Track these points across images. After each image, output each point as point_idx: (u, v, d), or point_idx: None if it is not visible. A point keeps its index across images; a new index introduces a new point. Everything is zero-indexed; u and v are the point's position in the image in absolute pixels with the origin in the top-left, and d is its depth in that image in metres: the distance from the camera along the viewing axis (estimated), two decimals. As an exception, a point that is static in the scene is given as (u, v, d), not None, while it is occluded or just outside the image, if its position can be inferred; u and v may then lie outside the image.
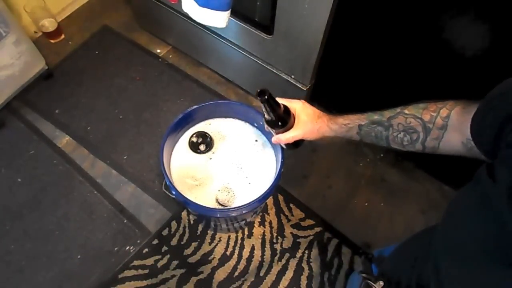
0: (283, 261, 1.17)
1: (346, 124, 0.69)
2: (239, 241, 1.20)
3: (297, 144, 0.77)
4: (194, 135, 1.01)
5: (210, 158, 1.00)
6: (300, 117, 0.73)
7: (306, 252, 1.19)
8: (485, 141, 0.46)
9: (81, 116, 1.42)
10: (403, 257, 0.66)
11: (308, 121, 0.72)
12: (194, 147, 1.00)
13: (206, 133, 1.01)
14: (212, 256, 1.18)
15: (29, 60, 1.36)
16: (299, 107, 0.73)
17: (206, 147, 1.00)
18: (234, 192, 0.96)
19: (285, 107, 0.73)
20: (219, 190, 0.96)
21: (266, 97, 0.68)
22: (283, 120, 0.72)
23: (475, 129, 0.49)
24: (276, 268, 1.16)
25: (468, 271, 0.45)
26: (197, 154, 1.00)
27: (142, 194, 1.28)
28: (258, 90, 0.68)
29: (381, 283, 0.60)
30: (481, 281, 0.42)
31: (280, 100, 0.73)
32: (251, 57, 1.24)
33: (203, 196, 0.95)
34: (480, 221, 0.42)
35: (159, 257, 1.17)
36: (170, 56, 1.56)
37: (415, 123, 0.62)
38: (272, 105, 0.70)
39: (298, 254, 1.18)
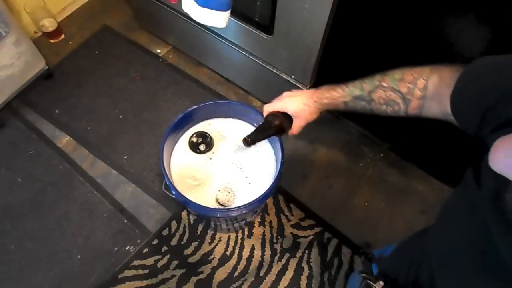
0: (283, 261, 1.17)
1: (332, 102, 0.73)
2: (239, 241, 1.20)
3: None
4: (194, 135, 1.01)
5: (210, 158, 1.00)
6: (293, 115, 0.78)
7: (306, 252, 1.19)
8: (468, 124, 0.46)
9: (81, 116, 1.42)
10: (401, 257, 0.66)
11: (300, 114, 0.77)
12: (194, 147, 1.00)
13: (206, 133, 1.01)
14: (212, 256, 1.18)
15: (29, 60, 1.36)
16: (287, 106, 0.78)
17: (206, 147, 1.00)
18: (234, 192, 0.96)
19: (276, 116, 0.79)
20: (219, 190, 0.96)
21: (250, 141, 0.78)
22: (280, 130, 0.79)
23: (457, 109, 0.49)
24: (276, 268, 1.16)
25: (457, 277, 0.45)
26: (197, 154, 1.00)
27: (142, 194, 1.28)
28: (243, 141, 0.79)
29: (381, 283, 0.60)
30: None
31: (269, 109, 0.80)
32: (251, 57, 1.24)
33: (203, 196, 0.95)
34: (467, 227, 0.41)
35: (159, 257, 1.17)
36: (170, 56, 1.56)
37: (395, 96, 0.63)
38: (263, 135, 0.79)
39: (298, 254, 1.18)
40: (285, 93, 0.80)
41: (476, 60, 0.47)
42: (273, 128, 0.79)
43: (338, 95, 0.71)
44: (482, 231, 0.36)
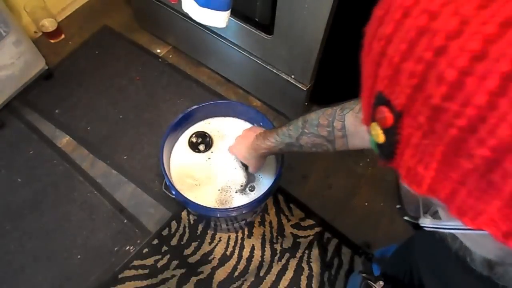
0: (283, 261, 1.17)
1: (269, 151, 0.78)
2: (239, 241, 1.20)
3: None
4: (194, 135, 1.01)
5: (209, 158, 1.00)
6: (245, 163, 0.89)
7: (306, 252, 1.19)
8: None
9: (81, 116, 1.42)
10: (401, 258, 0.66)
11: (248, 162, 0.87)
12: (193, 147, 1.00)
13: (205, 133, 1.01)
14: (212, 256, 1.18)
15: (29, 60, 1.36)
16: (239, 157, 0.89)
17: (206, 147, 1.00)
18: (234, 192, 0.96)
19: None
20: (219, 190, 0.96)
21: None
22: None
23: None
24: (276, 268, 1.16)
25: (439, 277, 0.45)
26: (197, 154, 1.00)
27: (142, 194, 1.28)
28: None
29: (381, 283, 0.60)
30: None
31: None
32: (251, 57, 1.24)
33: (203, 196, 0.95)
34: None
35: (159, 257, 1.17)
36: (170, 56, 1.56)
37: (319, 140, 0.65)
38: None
39: (298, 254, 1.18)
40: (236, 138, 0.89)
41: None
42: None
43: (272, 144, 0.75)
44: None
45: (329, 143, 0.64)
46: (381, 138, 0.24)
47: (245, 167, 0.95)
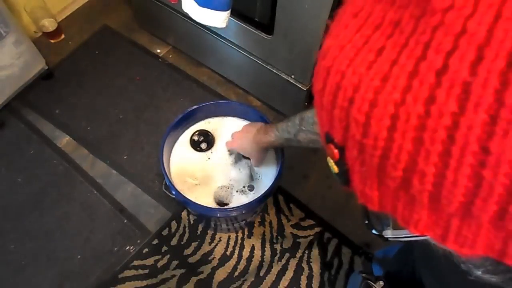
0: (283, 261, 1.17)
1: (270, 145, 0.81)
2: (239, 241, 1.20)
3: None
4: (196, 133, 1.01)
5: (209, 158, 1.00)
6: (247, 155, 0.92)
7: (306, 252, 1.19)
8: None
9: (81, 116, 1.42)
10: (403, 258, 0.66)
11: (250, 155, 0.90)
12: (195, 145, 1.00)
13: (207, 131, 1.01)
14: (212, 256, 1.18)
15: (29, 60, 1.36)
16: (240, 149, 0.92)
17: (208, 145, 1.00)
18: (234, 191, 0.96)
19: None
20: (219, 189, 0.96)
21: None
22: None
23: None
24: (276, 268, 1.16)
25: (434, 273, 0.46)
26: (197, 153, 1.00)
27: (142, 194, 1.28)
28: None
29: (381, 283, 0.61)
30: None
31: (228, 147, 0.97)
32: (251, 57, 1.24)
33: (203, 195, 0.95)
34: None
35: (159, 257, 1.17)
36: (170, 56, 1.56)
37: (315, 137, 0.68)
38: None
39: (298, 254, 1.18)
40: (236, 134, 0.91)
41: None
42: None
43: (272, 139, 0.79)
44: None
45: None
46: (335, 169, 0.28)
47: (244, 158, 0.95)
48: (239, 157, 0.97)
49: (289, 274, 1.15)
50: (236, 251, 1.18)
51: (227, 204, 0.95)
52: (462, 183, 0.20)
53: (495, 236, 0.21)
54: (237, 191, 0.96)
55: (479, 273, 0.33)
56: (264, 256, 1.18)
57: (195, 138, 1.01)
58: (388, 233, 0.33)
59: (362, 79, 0.23)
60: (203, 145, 1.00)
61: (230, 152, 0.99)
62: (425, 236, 0.24)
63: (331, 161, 0.28)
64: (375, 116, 0.22)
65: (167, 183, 0.89)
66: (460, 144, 0.19)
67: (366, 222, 0.35)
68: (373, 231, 0.35)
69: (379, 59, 0.23)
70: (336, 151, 0.27)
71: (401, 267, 0.64)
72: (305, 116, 0.69)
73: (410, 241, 0.34)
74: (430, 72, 0.20)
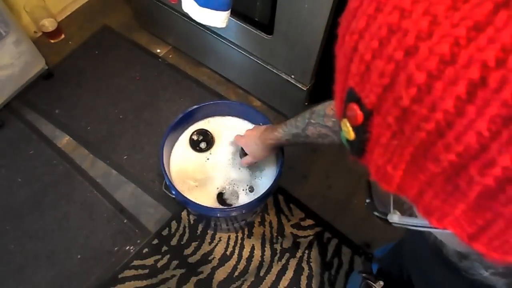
0: (283, 261, 1.17)
1: (276, 141, 0.80)
2: (239, 241, 1.20)
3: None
4: (195, 133, 1.01)
5: (208, 159, 1.00)
6: (248, 152, 0.90)
7: (306, 252, 1.19)
8: None
9: (81, 116, 1.42)
10: (393, 257, 0.66)
11: (252, 152, 0.88)
12: (194, 145, 1.00)
13: (207, 131, 1.01)
14: (212, 256, 1.18)
15: (29, 60, 1.36)
16: (244, 146, 0.90)
17: (207, 145, 1.00)
18: (233, 191, 0.96)
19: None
20: (219, 189, 0.96)
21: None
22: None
23: None
24: (276, 268, 1.16)
25: (421, 270, 0.46)
26: (197, 153, 1.00)
27: (142, 194, 1.28)
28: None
29: (381, 283, 0.61)
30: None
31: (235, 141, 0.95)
32: (251, 57, 1.24)
33: (203, 195, 0.95)
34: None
35: (159, 257, 1.17)
36: (170, 56, 1.56)
37: (324, 130, 0.67)
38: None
39: (298, 254, 1.18)
40: (247, 131, 0.90)
41: None
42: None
43: (279, 135, 0.78)
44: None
45: (334, 133, 0.66)
46: (351, 135, 0.23)
47: (244, 155, 0.95)
48: (240, 153, 0.96)
49: (289, 274, 1.15)
50: (236, 251, 1.18)
51: (230, 205, 0.95)
52: None
53: None
54: (236, 191, 0.96)
55: (486, 274, 0.30)
56: (264, 256, 1.18)
57: (194, 137, 1.00)
58: (395, 218, 0.29)
59: (439, 23, 0.17)
60: (203, 145, 1.00)
61: (234, 147, 0.99)
62: (444, 230, 0.21)
63: (348, 124, 0.23)
64: (444, 78, 0.17)
65: (167, 183, 0.89)
66: None
67: (368, 201, 0.31)
68: (375, 213, 0.31)
69: None
70: (360, 113, 0.21)
71: (391, 265, 0.64)
72: (316, 109, 0.68)
73: (416, 230, 0.30)
74: None
